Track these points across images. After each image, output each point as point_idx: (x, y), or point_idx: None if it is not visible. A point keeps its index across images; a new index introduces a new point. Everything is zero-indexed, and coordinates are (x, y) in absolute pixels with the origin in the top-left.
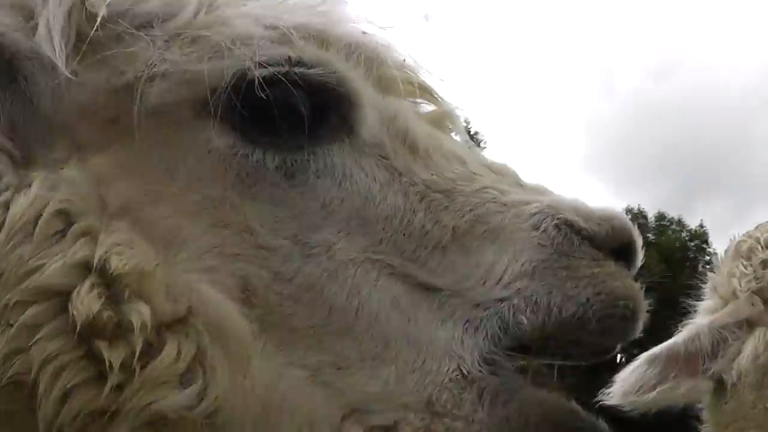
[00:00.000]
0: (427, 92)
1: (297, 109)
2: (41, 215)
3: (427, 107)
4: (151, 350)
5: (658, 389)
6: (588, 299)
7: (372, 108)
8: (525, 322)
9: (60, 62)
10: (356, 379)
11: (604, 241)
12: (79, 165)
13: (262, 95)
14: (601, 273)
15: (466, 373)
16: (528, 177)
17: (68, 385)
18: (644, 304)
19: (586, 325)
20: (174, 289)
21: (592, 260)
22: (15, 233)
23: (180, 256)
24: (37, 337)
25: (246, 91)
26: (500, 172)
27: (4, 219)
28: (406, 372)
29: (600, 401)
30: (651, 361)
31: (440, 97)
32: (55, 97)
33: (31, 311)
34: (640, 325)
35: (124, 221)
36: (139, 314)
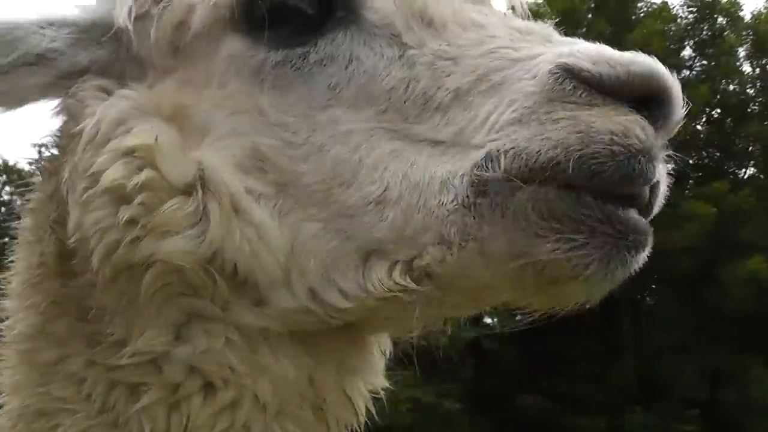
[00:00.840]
0: None
1: (298, 9)
2: (101, 127)
3: None
4: (159, 208)
5: None
6: (565, 138)
7: None
8: (506, 162)
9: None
10: (364, 223)
11: (614, 85)
12: (152, 85)
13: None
14: (583, 114)
15: (461, 201)
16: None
17: (106, 245)
18: (648, 140)
19: (565, 164)
20: (183, 160)
21: (585, 105)
22: (87, 143)
23: (206, 140)
24: (89, 211)
25: (251, 2)
26: (528, 31)
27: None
28: (412, 212)
29: None
30: None
31: None
32: (142, 41)
33: (85, 194)
34: (649, 164)
35: (173, 121)
36: (146, 178)
